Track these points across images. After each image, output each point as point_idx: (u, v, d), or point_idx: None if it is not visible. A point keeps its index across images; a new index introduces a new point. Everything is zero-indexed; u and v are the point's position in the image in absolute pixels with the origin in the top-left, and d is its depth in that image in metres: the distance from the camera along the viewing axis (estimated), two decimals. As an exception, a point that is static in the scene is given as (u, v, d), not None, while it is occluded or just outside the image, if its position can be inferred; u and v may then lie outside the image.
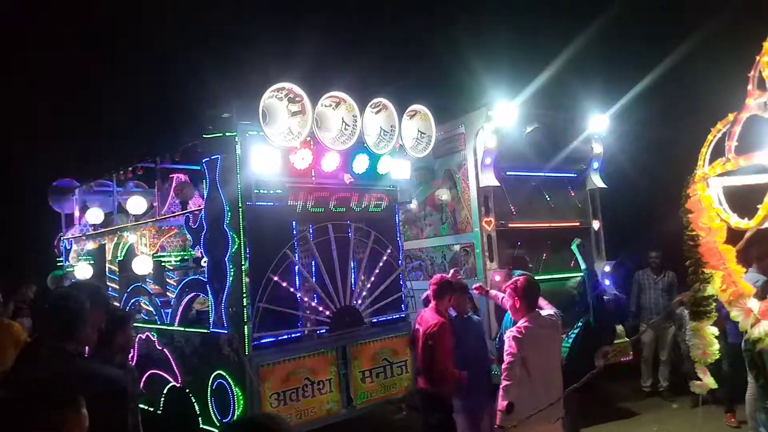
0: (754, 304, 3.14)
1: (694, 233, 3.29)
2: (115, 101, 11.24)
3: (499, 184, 7.15)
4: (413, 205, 8.06)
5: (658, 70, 9.26)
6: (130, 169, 7.01)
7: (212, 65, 10.14)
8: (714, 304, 3.42)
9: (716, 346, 3.53)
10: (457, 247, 7.62)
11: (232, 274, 5.58)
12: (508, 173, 7.43)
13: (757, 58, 2.82)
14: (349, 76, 6.52)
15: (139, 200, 7.25)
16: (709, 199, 3.15)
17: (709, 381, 3.81)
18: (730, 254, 3.22)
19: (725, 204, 3.14)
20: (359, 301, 6.35)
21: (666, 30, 9.92)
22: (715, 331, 3.51)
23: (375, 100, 6.12)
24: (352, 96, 5.86)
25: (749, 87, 2.89)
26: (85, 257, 8.11)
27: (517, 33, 11.28)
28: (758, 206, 2.76)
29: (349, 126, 5.93)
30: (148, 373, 6.68)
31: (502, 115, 6.96)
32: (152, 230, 7.00)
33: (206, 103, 5.89)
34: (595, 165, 8.03)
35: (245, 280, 5.50)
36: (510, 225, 7.40)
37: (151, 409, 6.56)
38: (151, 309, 6.91)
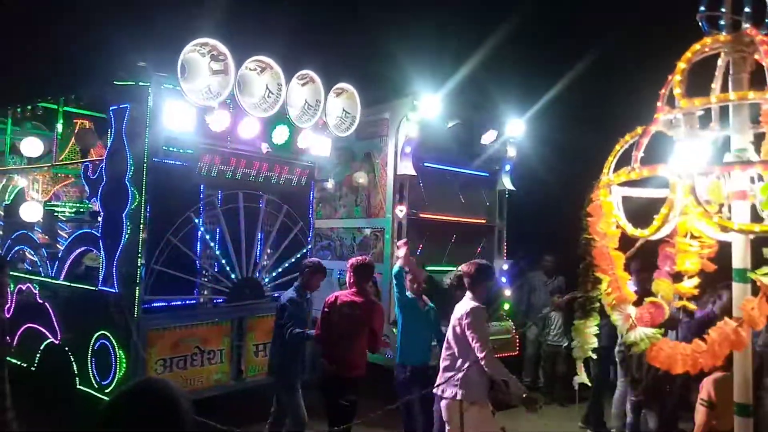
0: (632, 311, 3.35)
1: (590, 237, 3.46)
2: (25, 31, 10.25)
3: (415, 174, 7.25)
4: (330, 184, 8.00)
5: (572, 78, 9.77)
6: (30, 107, 6.46)
7: (135, 7, 9.51)
8: (597, 305, 3.64)
9: (593, 343, 3.77)
10: (368, 231, 7.66)
11: (128, 231, 5.31)
12: (425, 164, 7.55)
13: (669, 77, 3.00)
14: (279, 45, 6.34)
15: (35, 142, 6.70)
16: (609, 205, 3.32)
17: (582, 377, 4.07)
18: (619, 260, 3.41)
19: (622, 212, 3.32)
20: (262, 274, 6.25)
21: (584, 39, 10.40)
22: (595, 330, 3.74)
23: (302, 72, 6.00)
24: (279, 63, 5.71)
25: (659, 104, 3.07)
26: None
27: (447, 29, 11.45)
28: (654, 216, 2.94)
29: (272, 94, 5.77)
30: (25, 327, 6.25)
31: (427, 106, 7.04)
32: (46, 176, 6.52)
33: (122, 48, 5.52)
34: (507, 167, 8.32)
35: (142, 239, 5.24)
36: (421, 215, 7.53)
37: (25, 365, 6.14)
38: (35, 259, 6.45)
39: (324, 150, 6.59)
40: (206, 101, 5.25)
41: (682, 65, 2.97)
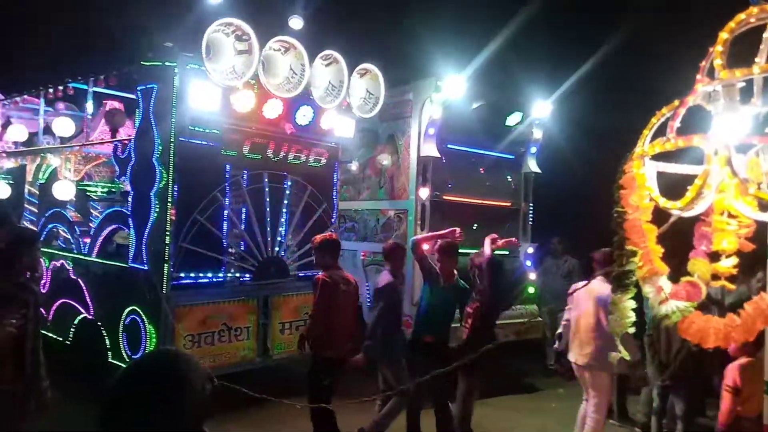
0: (665, 283, 3.29)
1: (622, 209, 3.40)
2: (53, 13, 10.43)
3: (439, 155, 7.22)
4: (354, 166, 8.04)
5: (600, 57, 9.51)
6: (61, 88, 6.62)
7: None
8: (634, 278, 3.57)
9: (631, 318, 3.70)
10: (391, 213, 7.68)
11: (156, 209, 5.43)
12: (449, 146, 7.51)
13: (710, 48, 2.91)
14: (303, 26, 6.35)
15: (67, 122, 6.86)
16: (643, 177, 3.24)
17: (623, 352, 4.00)
18: (651, 234, 3.34)
19: (655, 184, 3.25)
20: (287, 254, 6.33)
21: (611, 18, 10.12)
22: (632, 304, 3.67)
23: (326, 52, 6.00)
24: (302, 43, 5.73)
25: (698, 76, 2.97)
26: (3, 176, 7.66)
27: (469, 9, 11.26)
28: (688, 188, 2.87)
29: (296, 74, 5.80)
30: (59, 302, 6.46)
31: (451, 87, 6.99)
32: (78, 156, 6.68)
33: (148, 29, 5.60)
34: (533, 149, 8.22)
35: (170, 217, 5.36)
36: (444, 197, 7.51)
37: (60, 339, 6.36)
38: (68, 237, 6.64)
39: (348, 131, 6.61)
40: (230, 81, 5.31)
41: (724, 35, 2.84)
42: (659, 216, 3.37)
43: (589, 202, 8.10)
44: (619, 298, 3.67)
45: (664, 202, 3.08)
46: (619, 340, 3.86)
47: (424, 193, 7.23)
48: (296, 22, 5.88)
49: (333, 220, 6.87)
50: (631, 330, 3.79)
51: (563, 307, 5.61)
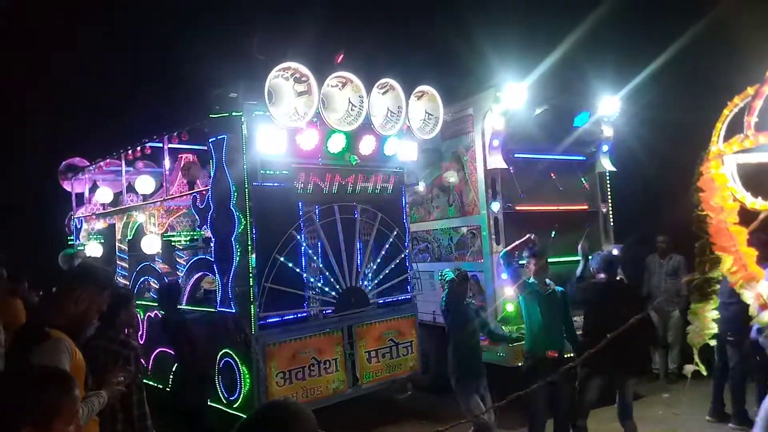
0: (764, 288, 3.07)
1: (704, 213, 3.22)
2: (124, 79, 11.22)
3: (506, 167, 7.10)
4: (421, 187, 8.04)
5: (670, 51, 9.06)
6: (138, 148, 7.05)
7: (219, 44, 10.09)
8: (717, 287, 3.37)
9: (713, 329, 3.49)
10: (464, 230, 7.59)
11: (238, 253, 5.62)
12: (516, 155, 7.37)
13: None
14: (356, 57, 6.46)
15: (148, 180, 7.29)
16: (723, 177, 3.06)
17: (700, 366, 3.77)
18: (741, 236, 3.13)
19: (739, 182, 3.05)
20: (365, 282, 6.38)
21: (677, 9, 9.68)
22: (714, 314, 3.46)
23: (382, 81, 6.08)
24: (358, 76, 5.83)
25: None
26: (95, 236, 8.19)
27: (525, 13, 11.09)
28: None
29: (355, 107, 5.91)
30: (156, 351, 6.77)
31: (511, 96, 6.88)
32: (161, 210, 7.04)
33: (213, 83, 5.88)
34: (605, 148, 7.93)
35: (251, 259, 5.53)
36: (517, 208, 7.36)
37: (161, 386, 6.66)
38: (156, 288, 6.98)
39: (411, 154, 6.63)
40: (294, 123, 5.47)
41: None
42: (744, 214, 3.15)
43: (670, 199, 7.72)
44: (701, 307, 3.46)
45: (751, 202, 2.88)
46: (696, 351, 3.65)
47: (496, 206, 7.11)
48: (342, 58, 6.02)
49: (406, 244, 6.87)
50: (712, 342, 3.57)
51: (670, 307, 5.38)
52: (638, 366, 5.35)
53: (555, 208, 7.68)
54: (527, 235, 5.76)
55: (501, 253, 5.81)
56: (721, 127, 3.07)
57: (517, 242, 5.83)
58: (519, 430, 5.83)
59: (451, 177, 7.70)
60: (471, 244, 7.50)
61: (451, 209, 7.84)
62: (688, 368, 3.79)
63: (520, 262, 7.06)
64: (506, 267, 5.71)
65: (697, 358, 3.68)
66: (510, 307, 6.87)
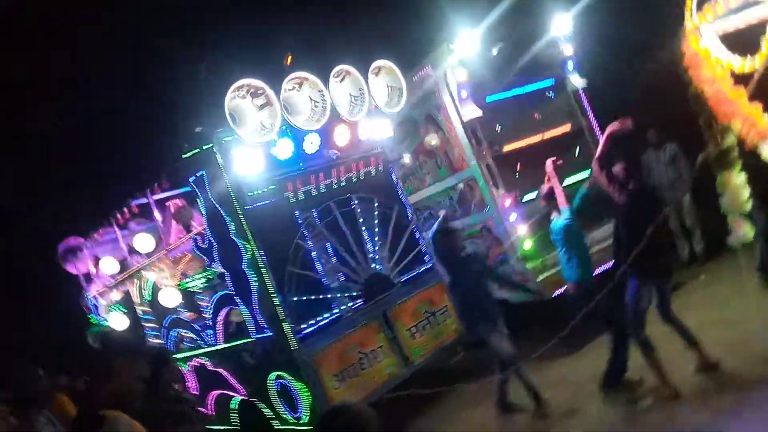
0: None
1: (697, 89, 3.20)
2: (88, 143, 11.00)
3: (481, 113, 7.09)
4: (406, 159, 8.06)
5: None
6: (126, 210, 7.06)
7: (171, 86, 9.98)
8: (735, 153, 3.35)
9: (746, 194, 3.47)
10: (460, 186, 7.61)
11: (254, 279, 5.65)
12: (487, 99, 7.36)
13: None
14: (302, 53, 6.44)
15: (145, 237, 7.30)
16: (705, 50, 3.04)
17: (745, 232, 3.76)
18: (741, 98, 3.12)
19: (723, 49, 3.02)
20: (383, 266, 6.42)
21: None
22: (742, 179, 3.44)
23: (336, 69, 6.05)
24: (312, 72, 5.81)
25: None
26: (115, 308, 8.23)
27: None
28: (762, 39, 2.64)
29: (318, 102, 5.88)
30: (212, 394, 6.84)
31: (464, 44, 6.85)
32: (167, 262, 7.06)
33: (176, 125, 5.87)
34: (570, 65, 7.91)
35: (269, 281, 5.57)
36: (504, 149, 7.37)
37: (227, 427, 6.73)
38: (192, 335, 7.04)
39: (386, 131, 6.61)
40: (264, 137, 5.46)
41: None
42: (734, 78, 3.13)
43: (650, 94, 7.71)
44: (727, 177, 3.46)
45: (740, 64, 2.86)
46: (734, 219, 3.65)
47: (486, 156, 7.13)
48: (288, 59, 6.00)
49: (409, 217, 6.90)
50: (748, 207, 3.56)
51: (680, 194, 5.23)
52: (672, 262, 5.34)
53: (540, 137, 7.69)
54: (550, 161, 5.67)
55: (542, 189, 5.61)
56: (691, 3, 3.05)
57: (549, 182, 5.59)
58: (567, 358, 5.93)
59: (432, 140, 7.70)
60: (471, 197, 7.52)
61: (442, 170, 7.85)
62: (735, 239, 3.76)
63: (524, 200, 7.13)
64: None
65: (736, 226, 3.67)
66: (527, 245, 6.92)
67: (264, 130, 5.50)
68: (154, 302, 7.45)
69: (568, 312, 5.14)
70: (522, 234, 6.96)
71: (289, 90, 5.75)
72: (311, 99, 5.86)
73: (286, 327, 5.54)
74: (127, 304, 7.98)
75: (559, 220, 5.37)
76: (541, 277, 6.92)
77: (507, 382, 5.47)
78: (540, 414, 5.23)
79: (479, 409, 5.91)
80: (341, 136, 6.15)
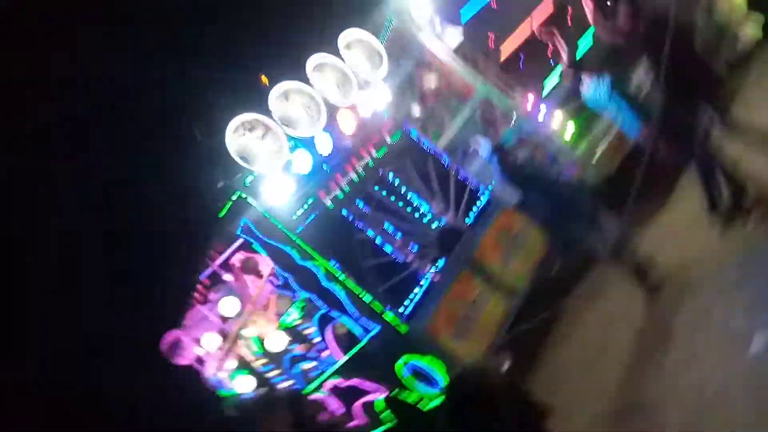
0: None
1: None
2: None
3: (462, 37, 6.89)
4: (415, 111, 7.94)
5: None
6: (199, 287, 7.30)
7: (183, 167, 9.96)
8: None
9: None
10: (478, 111, 7.43)
11: (339, 288, 5.73)
12: (462, 19, 7.11)
13: None
14: (271, 60, 6.39)
15: (228, 301, 7.52)
16: None
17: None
18: None
19: None
20: (446, 218, 6.39)
21: None
22: None
23: (311, 65, 5.99)
24: (291, 78, 5.79)
25: None
26: (235, 374, 8.45)
27: None
28: None
29: (310, 104, 5.87)
30: (358, 405, 6.99)
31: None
32: (259, 312, 7.26)
33: (199, 188, 6.00)
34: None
35: (351, 283, 5.64)
36: (501, 48, 7.13)
37: (389, 426, 6.87)
38: (314, 364, 7.22)
39: (386, 96, 6.53)
40: (278, 162, 5.51)
41: None
42: None
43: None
44: None
45: None
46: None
47: (488, 70, 6.94)
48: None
49: (446, 164, 6.82)
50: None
51: None
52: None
53: (530, 24, 7.39)
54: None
55: None
56: None
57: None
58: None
59: (432, 82, 7.55)
60: (494, 116, 7.34)
61: (456, 105, 7.68)
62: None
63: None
64: None
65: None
66: (569, 133, 6.72)
67: (275, 156, 5.53)
68: (266, 352, 7.69)
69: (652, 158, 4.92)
70: (559, 125, 6.75)
71: (279, 106, 5.74)
72: (302, 104, 5.85)
73: (388, 316, 5.62)
74: (244, 365, 8.27)
75: (589, 85, 5.16)
76: (598, 154, 6.72)
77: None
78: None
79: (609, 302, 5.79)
80: (346, 124, 6.13)
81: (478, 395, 1.59)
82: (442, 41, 6.95)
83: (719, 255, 4.69)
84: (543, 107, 6.80)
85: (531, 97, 6.85)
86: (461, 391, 1.66)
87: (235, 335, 7.74)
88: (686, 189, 5.80)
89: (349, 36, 6.32)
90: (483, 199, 6.71)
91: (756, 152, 4.93)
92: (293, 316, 7.14)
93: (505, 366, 5.37)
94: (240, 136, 5.45)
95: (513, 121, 7.05)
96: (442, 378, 5.68)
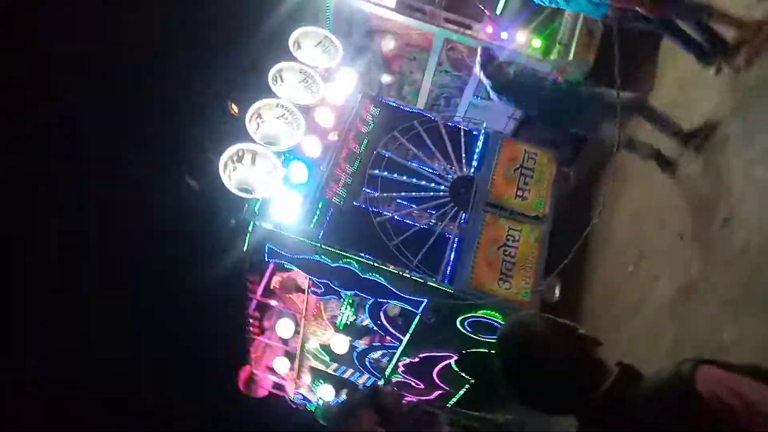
0: None
1: None
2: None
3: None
4: (386, 78, 7.91)
5: None
6: (251, 320, 7.50)
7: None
8: None
9: None
10: (444, 57, 7.38)
11: (378, 276, 5.80)
12: None
13: None
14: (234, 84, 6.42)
15: (283, 324, 7.69)
16: None
17: None
18: None
19: None
20: (450, 171, 6.44)
21: None
22: None
23: (270, 75, 5.99)
24: (254, 96, 5.81)
25: None
26: (314, 386, 8.69)
27: None
28: None
29: (284, 114, 5.88)
30: (435, 374, 7.10)
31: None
32: (313, 323, 7.45)
33: (214, 234, 6.11)
34: None
35: (388, 268, 5.72)
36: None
37: (464, 388, 7.02)
38: (381, 352, 7.38)
39: (352, 80, 6.52)
40: (272, 179, 5.54)
41: None
42: None
43: None
44: None
45: None
46: None
47: (436, 13, 6.86)
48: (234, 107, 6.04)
49: (432, 117, 6.84)
50: None
51: None
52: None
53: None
54: None
55: None
56: None
57: None
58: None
59: (390, 45, 7.53)
60: (461, 56, 7.31)
61: (421, 57, 7.64)
62: None
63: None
64: None
65: None
66: (537, 43, 6.64)
67: (272, 175, 5.58)
68: (335, 357, 7.88)
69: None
70: (523, 40, 6.66)
71: (256, 128, 5.78)
72: (277, 119, 5.87)
73: (432, 283, 5.70)
74: (319, 376, 8.50)
75: None
76: (572, 52, 6.63)
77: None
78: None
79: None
80: (325, 119, 6.15)
81: (525, 352, 1.65)
82: (383, 2, 6.87)
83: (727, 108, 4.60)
84: (504, 31, 6.71)
85: (488, 25, 6.76)
86: (507, 352, 1.73)
87: (300, 352, 7.96)
88: (670, 54, 5.71)
89: (295, 36, 6.29)
90: (480, 140, 6.70)
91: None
92: (346, 315, 7.29)
93: (557, 291, 5.44)
94: (232, 171, 5.51)
95: (480, 53, 6.98)
96: (502, 324, 5.75)
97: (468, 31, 6.85)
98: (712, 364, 1.38)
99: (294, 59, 6.14)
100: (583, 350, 1.58)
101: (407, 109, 6.92)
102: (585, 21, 6.52)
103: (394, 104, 6.91)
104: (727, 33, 4.70)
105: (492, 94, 5.66)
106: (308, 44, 6.40)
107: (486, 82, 5.60)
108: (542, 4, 5.11)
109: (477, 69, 5.75)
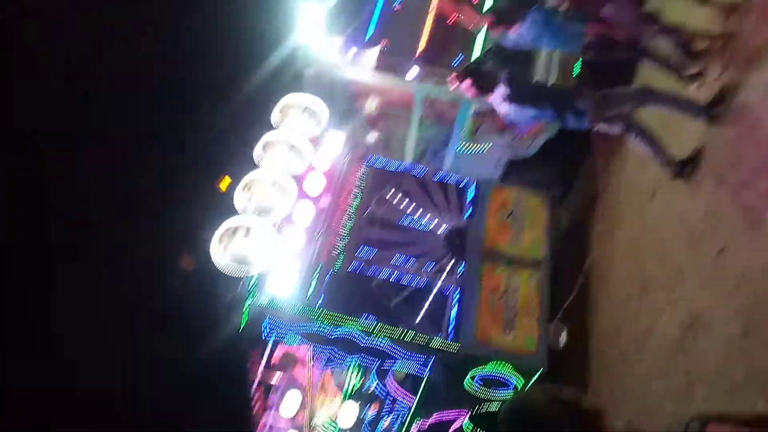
0: None
1: None
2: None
3: (378, 49, 6.96)
4: (371, 137, 7.99)
5: None
6: (255, 399, 7.27)
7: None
8: None
9: None
10: (426, 111, 7.47)
11: (380, 340, 5.69)
12: (366, 37, 7.20)
13: None
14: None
15: (288, 401, 7.44)
16: None
17: None
18: None
19: None
20: (444, 222, 6.44)
21: None
22: None
23: (259, 149, 6.03)
24: (244, 173, 5.82)
25: None
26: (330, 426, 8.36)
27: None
28: None
29: (274, 184, 5.88)
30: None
31: (308, 30, 6.74)
32: (319, 395, 7.24)
33: (220, 311, 6.01)
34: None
35: (390, 330, 5.62)
36: (420, 50, 7.18)
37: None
38: (391, 418, 7.11)
39: (338, 144, 6.59)
40: (272, 252, 5.48)
41: None
42: None
43: None
44: None
45: None
46: None
47: (413, 70, 6.99)
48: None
49: (421, 171, 6.88)
50: None
51: None
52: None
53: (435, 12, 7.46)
54: None
55: None
56: None
57: None
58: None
59: (372, 106, 7.63)
60: (443, 109, 7.40)
61: (404, 114, 7.73)
62: None
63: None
64: None
65: None
66: None
67: (267, 247, 5.51)
68: (343, 430, 7.63)
69: None
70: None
71: (247, 196, 5.75)
72: (268, 189, 5.85)
73: (436, 343, 5.58)
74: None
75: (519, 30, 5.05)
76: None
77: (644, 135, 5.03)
78: None
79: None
80: (315, 185, 6.16)
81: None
82: (360, 65, 7.03)
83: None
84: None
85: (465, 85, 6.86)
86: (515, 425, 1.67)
87: (309, 426, 7.69)
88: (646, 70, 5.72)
89: (278, 107, 6.38)
90: (470, 190, 6.72)
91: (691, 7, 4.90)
92: (352, 382, 7.10)
93: (563, 337, 5.32)
94: (224, 245, 5.45)
95: (463, 102, 7.06)
96: (512, 377, 5.62)
97: (445, 82, 6.96)
98: (719, 420, 1.35)
99: (278, 128, 6.20)
100: (584, 424, 1.55)
101: (395, 166, 6.95)
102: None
103: (382, 163, 6.95)
104: (698, 47, 4.74)
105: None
106: (293, 113, 6.47)
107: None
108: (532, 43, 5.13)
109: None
